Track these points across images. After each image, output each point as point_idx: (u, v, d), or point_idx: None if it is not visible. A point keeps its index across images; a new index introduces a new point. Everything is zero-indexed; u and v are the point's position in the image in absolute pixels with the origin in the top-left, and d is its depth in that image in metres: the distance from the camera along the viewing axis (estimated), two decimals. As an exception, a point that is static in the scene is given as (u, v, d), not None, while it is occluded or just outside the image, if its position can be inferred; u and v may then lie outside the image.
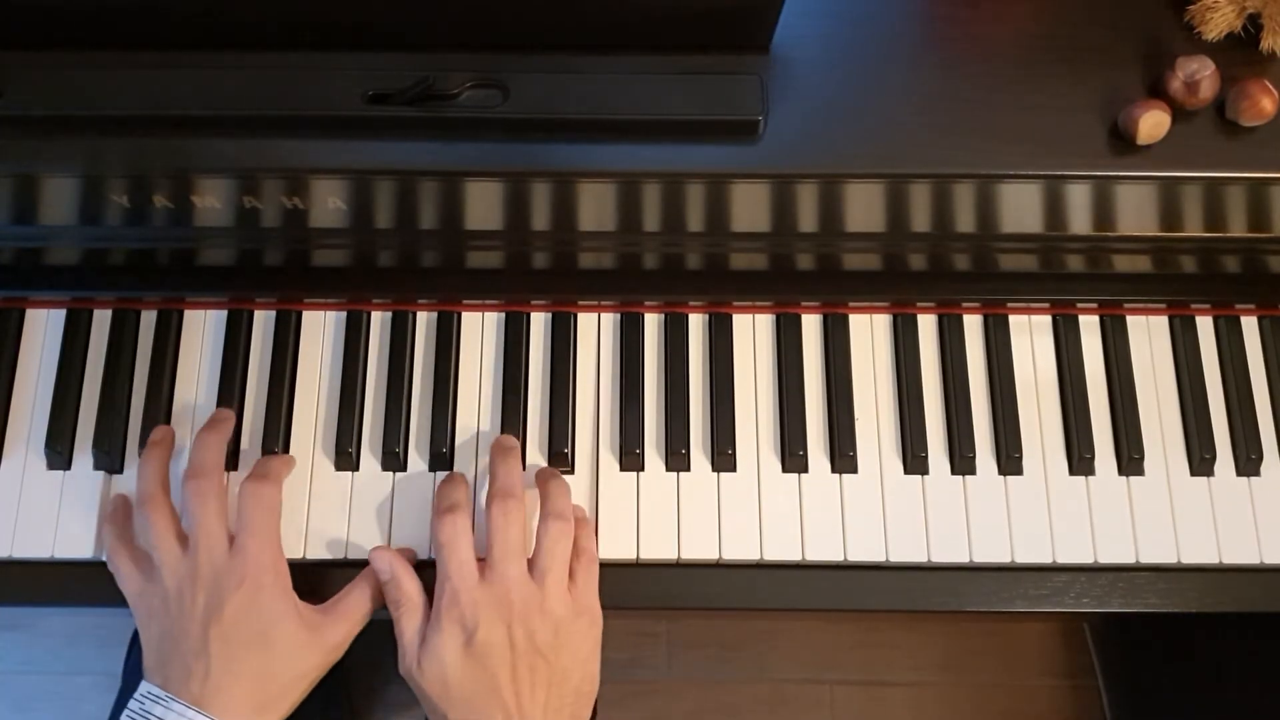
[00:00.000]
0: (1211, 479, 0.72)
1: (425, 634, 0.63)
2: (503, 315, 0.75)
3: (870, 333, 0.75)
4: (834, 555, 0.70)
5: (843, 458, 0.72)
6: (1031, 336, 0.75)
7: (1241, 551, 0.71)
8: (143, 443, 0.71)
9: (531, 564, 0.64)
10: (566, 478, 0.71)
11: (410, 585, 0.65)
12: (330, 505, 0.71)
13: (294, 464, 0.71)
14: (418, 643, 0.63)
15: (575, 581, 0.65)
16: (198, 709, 0.60)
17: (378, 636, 0.68)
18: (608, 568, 0.68)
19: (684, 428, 0.72)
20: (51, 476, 0.71)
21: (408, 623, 0.64)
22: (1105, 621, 1.33)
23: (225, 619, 0.61)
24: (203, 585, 0.63)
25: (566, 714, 0.63)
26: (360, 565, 0.69)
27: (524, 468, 0.72)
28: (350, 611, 0.65)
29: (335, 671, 0.67)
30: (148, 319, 0.74)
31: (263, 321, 0.75)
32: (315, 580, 0.69)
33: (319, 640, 0.64)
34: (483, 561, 0.64)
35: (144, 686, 0.62)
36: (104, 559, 0.68)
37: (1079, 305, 0.75)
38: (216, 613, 0.62)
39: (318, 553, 0.69)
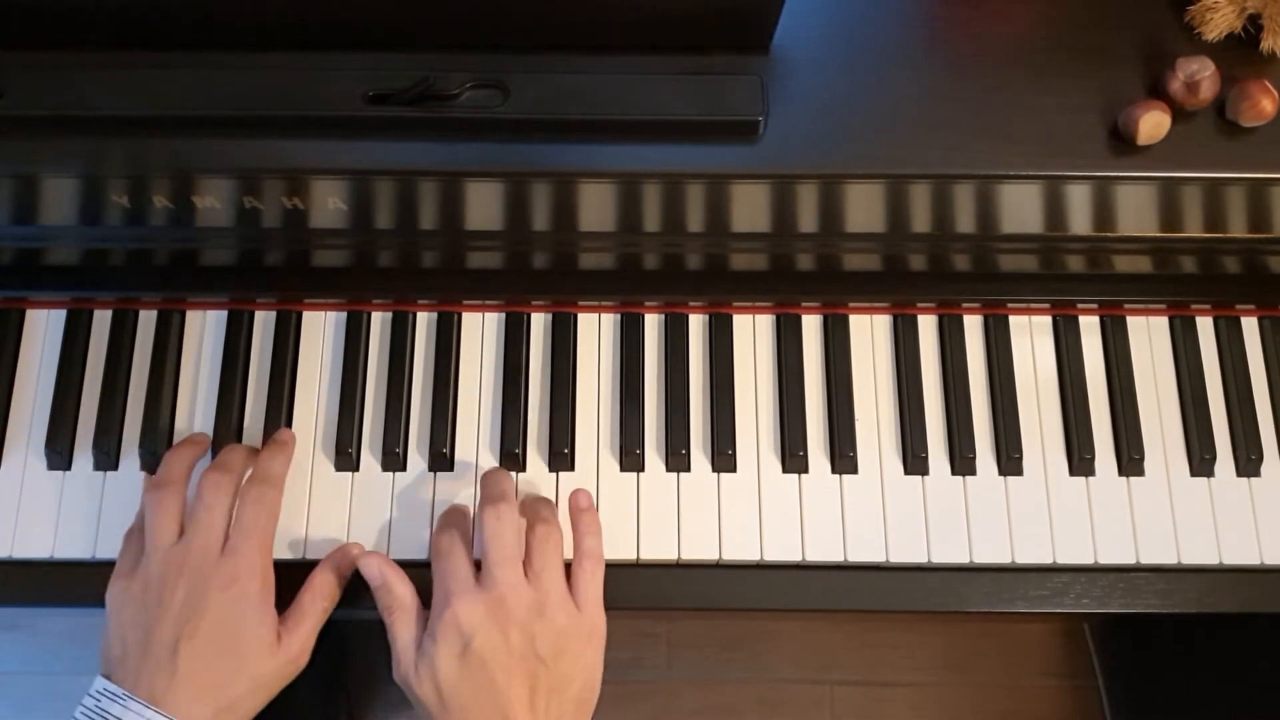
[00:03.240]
0: (1211, 479, 0.72)
1: (421, 641, 0.62)
2: (503, 315, 0.75)
3: (870, 333, 0.75)
4: (834, 555, 0.70)
5: (843, 458, 0.72)
6: (1031, 336, 0.75)
7: (1241, 551, 0.71)
8: (142, 443, 0.71)
9: (526, 567, 0.63)
10: (566, 476, 0.71)
11: (402, 589, 0.64)
12: (330, 505, 0.71)
13: (293, 449, 0.70)
14: (413, 650, 0.62)
15: (577, 586, 0.64)
16: (156, 709, 0.58)
17: (377, 637, 0.68)
18: (608, 568, 0.68)
19: (684, 428, 0.72)
20: (51, 476, 0.71)
21: (401, 628, 0.63)
22: (1105, 621, 1.33)
23: (204, 618, 0.60)
24: (186, 577, 0.61)
25: None
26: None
27: (524, 468, 0.72)
28: (305, 618, 0.64)
29: (335, 672, 0.66)
30: (148, 319, 0.74)
31: (263, 321, 0.75)
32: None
33: (284, 650, 0.63)
34: (479, 568, 0.64)
35: (99, 683, 0.60)
36: (104, 558, 0.68)
37: (1079, 305, 0.75)
38: (195, 610, 0.61)
39: (318, 553, 0.69)
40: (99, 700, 0.59)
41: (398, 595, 0.64)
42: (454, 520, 0.67)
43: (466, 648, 0.60)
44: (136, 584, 0.63)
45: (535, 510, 0.67)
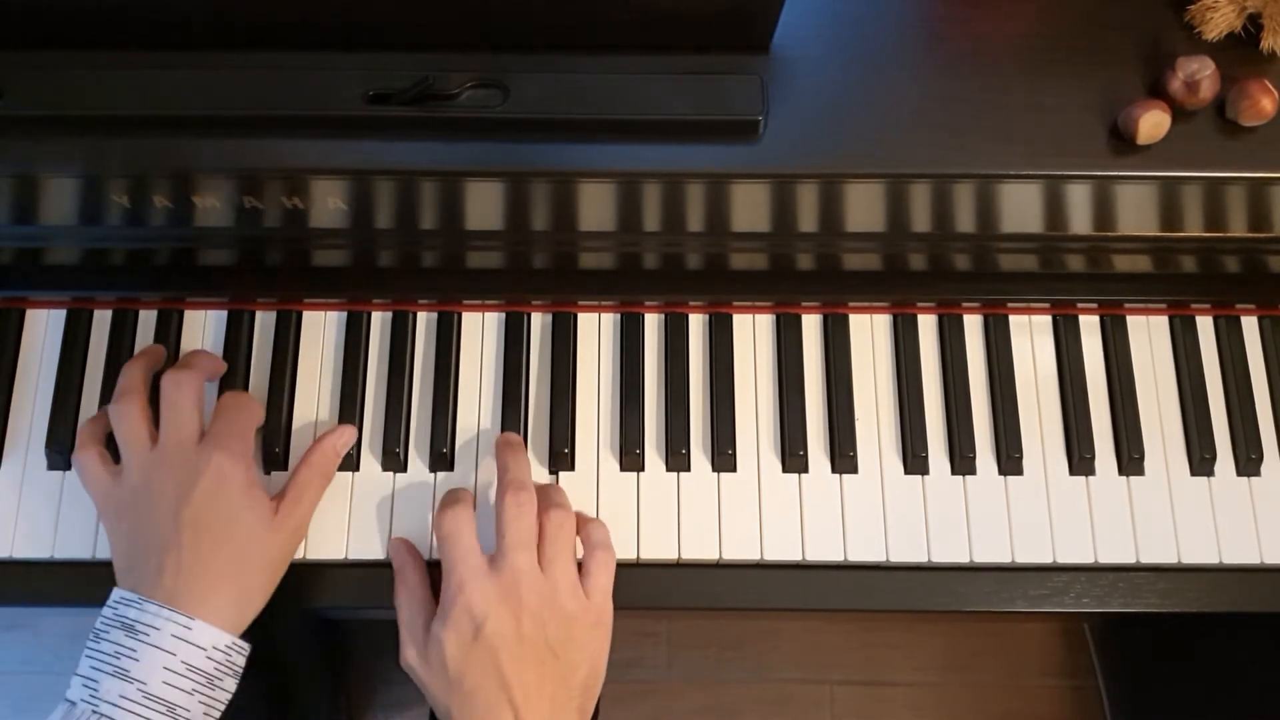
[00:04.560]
0: (1211, 479, 0.72)
1: (430, 625, 0.62)
2: (503, 315, 0.75)
3: (870, 333, 0.75)
4: (834, 555, 0.70)
5: (843, 458, 0.72)
6: (1031, 336, 0.75)
7: (1241, 551, 0.71)
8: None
9: (539, 553, 0.63)
10: (566, 476, 0.71)
11: (414, 575, 0.65)
12: (331, 505, 0.70)
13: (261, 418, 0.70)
14: (421, 632, 0.62)
15: (589, 576, 0.64)
16: (171, 607, 0.58)
17: (376, 638, 0.68)
18: (608, 568, 0.68)
19: (684, 428, 0.72)
20: (51, 476, 0.71)
21: (409, 612, 0.64)
22: (1105, 621, 1.33)
23: (195, 506, 0.61)
24: (171, 473, 0.62)
25: (574, 708, 0.62)
26: (361, 565, 0.69)
27: (524, 468, 0.72)
28: (303, 492, 0.65)
29: (336, 672, 0.66)
30: (148, 319, 0.74)
31: (263, 321, 0.75)
32: (317, 580, 0.69)
33: (281, 523, 0.64)
34: (488, 553, 0.64)
35: (114, 593, 0.60)
36: (104, 557, 0.68)
37: (1079, 305, 0.75)
38: (186, 500, 0.61)
39: (318, 553, 0.69)
40: (115, 609, 0.59)
41: (408, 580, 0.65)
42: (457, 498, 0.66)
43: (478, 632, 0.60)
44: (125, 495, 0.63)
45: (549, 496, 0.67)
